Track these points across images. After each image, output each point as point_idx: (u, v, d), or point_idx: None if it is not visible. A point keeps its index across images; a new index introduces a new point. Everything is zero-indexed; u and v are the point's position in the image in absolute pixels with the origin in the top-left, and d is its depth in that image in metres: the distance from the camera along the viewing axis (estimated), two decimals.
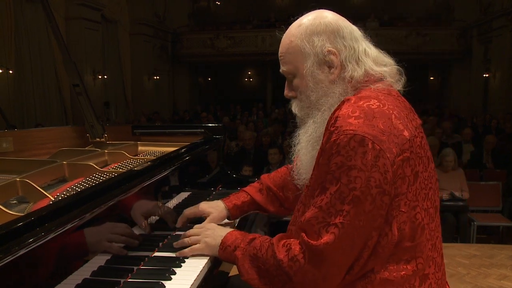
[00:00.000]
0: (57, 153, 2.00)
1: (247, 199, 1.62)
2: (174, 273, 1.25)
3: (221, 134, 2.34)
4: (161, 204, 1.63)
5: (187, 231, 1.42)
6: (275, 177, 1.66)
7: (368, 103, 1.09)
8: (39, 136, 2.14)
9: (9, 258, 0.87)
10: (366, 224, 1.04)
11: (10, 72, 8.29)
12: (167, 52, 15.85)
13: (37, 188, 1.39)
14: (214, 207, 1.56)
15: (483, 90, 14.13)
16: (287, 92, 1.30)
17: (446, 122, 7.90)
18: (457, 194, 4.69)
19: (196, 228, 1.42)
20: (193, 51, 15.96)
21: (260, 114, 12.25)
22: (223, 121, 10.39)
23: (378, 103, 1.10)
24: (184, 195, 1.89)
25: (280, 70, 1.28)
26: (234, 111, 14.01)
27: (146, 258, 1.35)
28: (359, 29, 1.24)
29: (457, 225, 4.64)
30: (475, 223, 4.67)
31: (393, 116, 1.08)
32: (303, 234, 1.09)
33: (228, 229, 1.36)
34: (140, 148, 2.33)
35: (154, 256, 1.39)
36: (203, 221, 1.51)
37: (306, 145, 1.24)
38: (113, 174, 1.56)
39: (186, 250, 1.36)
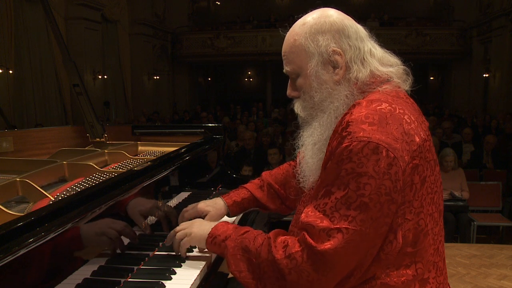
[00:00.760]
0: (57, 153, 2.01)
1: (247, 195, 1.59)
2: (174, 273, 1.25)
3: (221, 134, 2.34)
4: (161, 204, 1.63)
5: (176, 227, 1.38)
6: (277, 174, 1.63)
7: (379, 107, 1.07)
8: (39, 136, 2.14)
9: (9, 258, 0.87)
10: (371, 231, 1.03)
11: (10, 72, 8.29)
12: (167, 52, 15.85)
13: (37, 188, 1.39)
14: (212, 205, 1.54)
15: (483, 90, 14.14)
16: (290, 92, 1.27)
17: (446, 122, 7.91)
18: (457, 194, 4.69)
19: (185, 224, 1.38)
20: (193, 51, 15.95)
21: (260, 114, 12.22)
22: (223, 121, 10.36)
23: (389, 107, 1.07)
24: (184, 195, 1.89)
25: (284, 70, 1.25)
26: (234, 111, 13.98)
27: (146, 258, 1.35)
28: (364, 29, 1.21)
29: (457, 225, 4.64)
30: (475, 223, 4.66)
31: (404, 121, 1.07)
32: (305, 233, 1.07)
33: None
34: (140, 148, 2.34)
35: (154, 256, 1.39)
36: None
37: (312, 148, 1.20)
38: (113, 174, 1.56)
39: (175, 246, 1.33)
